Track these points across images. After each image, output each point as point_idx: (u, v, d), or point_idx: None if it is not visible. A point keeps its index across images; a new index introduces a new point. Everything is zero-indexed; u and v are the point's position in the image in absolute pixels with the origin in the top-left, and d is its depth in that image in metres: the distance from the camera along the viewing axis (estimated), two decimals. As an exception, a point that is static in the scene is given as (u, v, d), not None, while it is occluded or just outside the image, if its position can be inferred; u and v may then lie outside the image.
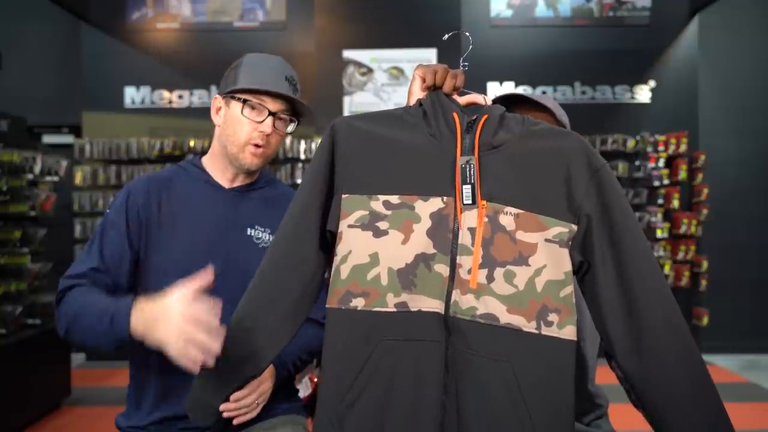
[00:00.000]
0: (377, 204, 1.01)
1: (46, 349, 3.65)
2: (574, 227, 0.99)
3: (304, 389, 1.63)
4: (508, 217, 0.98)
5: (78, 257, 1.36)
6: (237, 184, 1.43)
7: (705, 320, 5.13)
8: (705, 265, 5.16)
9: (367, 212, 1.01)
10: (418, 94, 1.11)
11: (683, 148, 5.18)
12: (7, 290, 3.53)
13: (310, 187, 1.07)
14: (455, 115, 1.03)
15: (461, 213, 0.99)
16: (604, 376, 1.37)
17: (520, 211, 0.98)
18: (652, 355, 0.97)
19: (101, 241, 1.33)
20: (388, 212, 1.00)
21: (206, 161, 1.45)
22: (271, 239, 1.37)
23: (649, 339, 0.97)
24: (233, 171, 1.41)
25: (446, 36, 1.22)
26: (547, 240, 0.98)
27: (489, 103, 1.08)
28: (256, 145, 1.36)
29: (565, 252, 0.98)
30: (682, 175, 5.17)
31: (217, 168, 1.43)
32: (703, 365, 0.98)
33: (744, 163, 5.54)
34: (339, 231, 1.03)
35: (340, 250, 1.02)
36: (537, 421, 0.94)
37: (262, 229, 1.39)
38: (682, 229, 5.12)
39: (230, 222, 1.37)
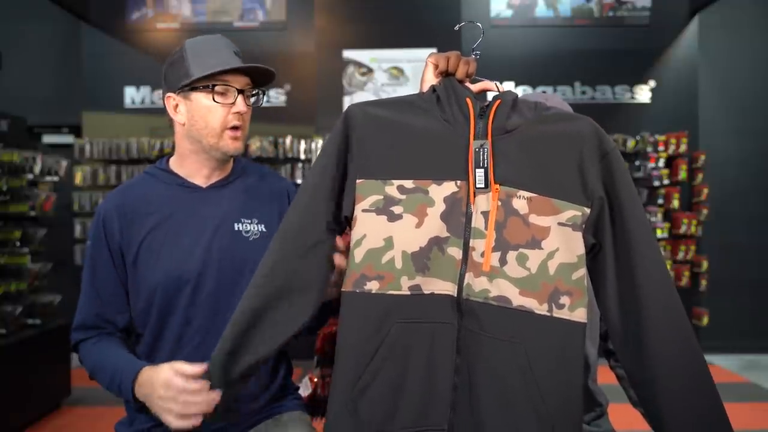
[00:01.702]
0: (392, 188, 1.02)
1: (46, 349, 3.65)
2: (587, 210, 1.00)
3: (304, 389, 1.63)
4: (521, 201, 0.99)
5: (80, 299, 1.34)
6: (213, 180, 1.37)
7: (705, 320, 5.13)
8: (705, 265, 5.16)
9: (382, 197, 1.02)
10: (431, 81, 1.12)
11: (683, 148, 5.18)
12: (7, 290, 3.53)
13: (321, 172, 1.07)
14: (468, 100, 1.04)
15: (474, 197, 1.00)
16: (604, 376, 1.37)
17: (533, 194, 1.00)
18: (648, 343, 0.97)
19: (93, 282, 1.32)
20: (403, 197, 1.02)
21: (175, 164, 1.39)
22: (259, 229, 1.35)
23: (648, 328, 0.97)
24: (210, 167, 1.36)
25: (457, 26, 1.22)
26: (560, 223, 0.99)
27: (502, 89, 1.09)
28: (233, 128, 1.30)
29: (578, 235, 0.99)
30: (682, 175, 5.17)
31: (190, 168, 1.37)
32: (701, 357, 0.98)
33: (744, 163, 5.54)
34: (354, 215, 1.04)
35: (355, 234, 1.03)
36: (548, 400, 0.95)
37: (249, 221, 1.35)
38: (682, 229, 5.12)
39: (216, 220, 1.33)
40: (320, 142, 5.13)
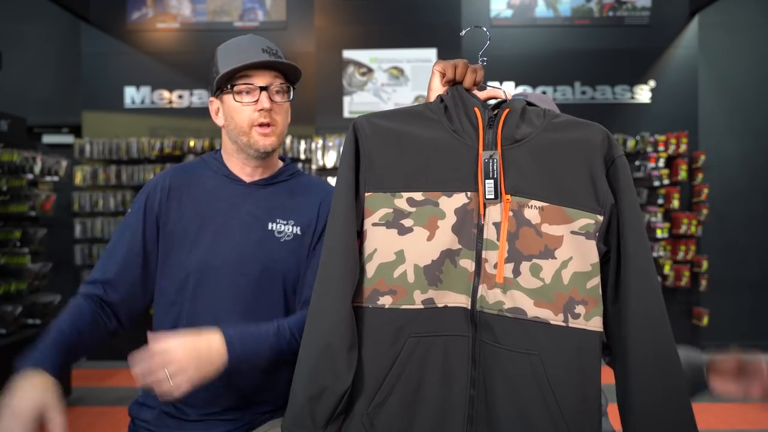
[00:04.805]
0: (401, 201, 1.02)
1: (46, 349, 3.65)
2: (600, 218, 0.99)
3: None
4: (532, 211, 0.99)
5: (99, 258, 1.38)
6: (257, 177, 1.41)
7: (705, 320, 5.13)
8: (705, 265, 5.16)
9: (391, 210, 1.02)
10: (438, 89, 1.11)
11: (683, 148, 5.18)
12: (7, 290, 3.53)
13: (345, 189, 1.05)
14: (477, 110, 1.03)
15: (485, 208, 1.00)
16: (604, 377, 1.37)
17: (545, 204, 0.99)
18: (629, 346, 0.98)
19: (114, 249, 1.34)
20: (413, 209, 1.01)
21: (225, 157, 1.43)
22: (293, 231, 1.37)
23: (629, 337, 0.98)
24: (252, 165, 1.39)
25: (463, 32, 1.22)
26: (572, 232, 0.98)
27: (509, 96, 1.08)
28: (262, 125, 1.33)
29: (592, 244, 0.99)
30: (682, 175, 5.17)
31: (235, 165, 1.40)
32: (678, 370, 0.98)
33: (744, 163, 5.54)
34: (363, 229, 1.03)
35: (365, 248, 1.03)
36: (565, 411, 0.95)
37: (284, 222, 1.37)
38: (682, 229, 5.11)
39: (252, 216, 1.36)
40: (320, 142, 5.13)
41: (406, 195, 1.02)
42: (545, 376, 0.95)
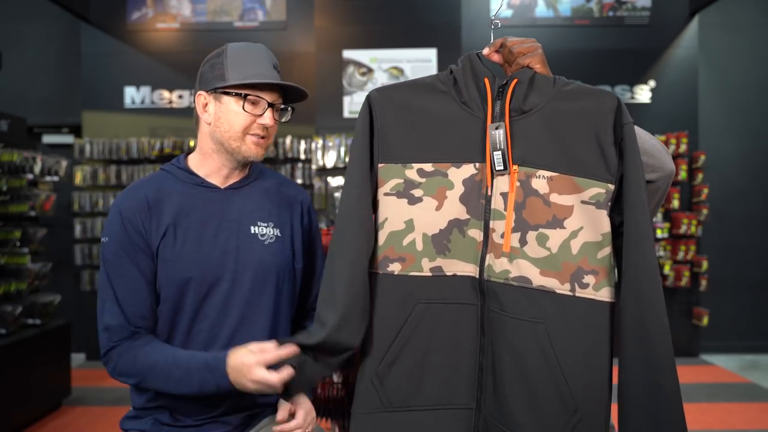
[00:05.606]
0: (411, 172, 1.04)
1: (46, 349, 3.65)
2: (611, 186, 0.98)
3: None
4: (541, 181, 1.00)
5: (100, 305, 1.30)
6: (231, 181, 1.39)
7: (705, 320, 5.13)
8: (705, 265, 5.16)
9: (402, 180, 1.04)
10: None
11: (683, 148, 5.18)
12: (7, 290, 3.53)
13: (360, 161, 1.07)
14: (486, 80, 1.04)
15: (493, 178, 1.02)
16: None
17: (555, 173, 0.99)
18: (621, 318, 0.96)
19: (115, 291, 1.28)
20: (422, 180, 1.04)
21: (195, 162, 1.39)
22: (275, 233, 1.37)
23: (623, 304, 0.97)
24: (229, 168, 1.37)
25: None
26: (583, 202, 0.98)
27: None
28: (257, 136, 1.32)
29: (603, 213, 0.98)
30: (682, 175, 5.17)
31: (209, 168, 1.37)
32: (667, 344, 0.96)
33: (744, 163, 5.53)
34: (376, 199, 1.06)
35: (378, 217, 1.06)
36: (571, 382, 0.95)
37: (265, 225, 1.37)
38: (682, 229, 5.11)
39: (233, 222, 1.35)
40: (320, 142, 5.12)
41: (416, 166, 1.04)
42: (550, 345, 0.96)
